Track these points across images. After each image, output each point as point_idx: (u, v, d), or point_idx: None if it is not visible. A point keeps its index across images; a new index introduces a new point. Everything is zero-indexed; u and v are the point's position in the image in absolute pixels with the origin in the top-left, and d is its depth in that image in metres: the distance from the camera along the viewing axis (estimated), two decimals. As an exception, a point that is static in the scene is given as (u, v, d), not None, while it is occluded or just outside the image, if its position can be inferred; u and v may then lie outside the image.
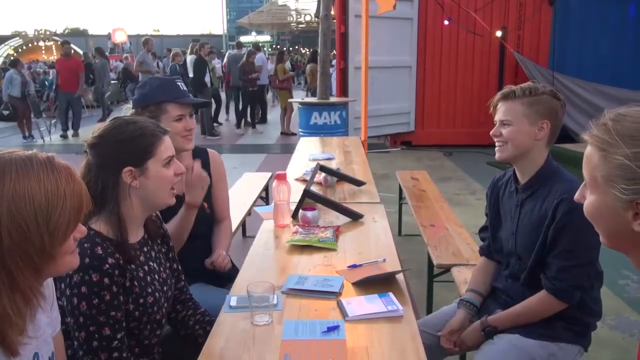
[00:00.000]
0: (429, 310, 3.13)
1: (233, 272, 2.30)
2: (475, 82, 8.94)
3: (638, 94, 7.78)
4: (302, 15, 30.88)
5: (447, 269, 2.83)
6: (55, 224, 1.00)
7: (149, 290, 1.54)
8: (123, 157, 1.50)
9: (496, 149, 1.84)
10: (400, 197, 4.83)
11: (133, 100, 2.10)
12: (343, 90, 8.19)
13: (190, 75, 10.12)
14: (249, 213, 3.82)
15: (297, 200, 2.49)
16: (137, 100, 2.08)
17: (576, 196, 1.02)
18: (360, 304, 1.62)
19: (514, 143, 1.78)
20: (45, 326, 1.15)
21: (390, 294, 1.67)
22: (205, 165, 2.28)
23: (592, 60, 8.33)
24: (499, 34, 8.49)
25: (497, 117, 1.82)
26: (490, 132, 1.84)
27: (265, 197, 4.67)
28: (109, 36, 28.46)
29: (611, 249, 1.01)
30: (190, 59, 10.44)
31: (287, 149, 9.02)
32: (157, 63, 12.12)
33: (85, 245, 1.38)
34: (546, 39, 8.60)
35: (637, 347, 3.36)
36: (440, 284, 3.17)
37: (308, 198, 2.49)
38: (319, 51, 7.35)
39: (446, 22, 8.62)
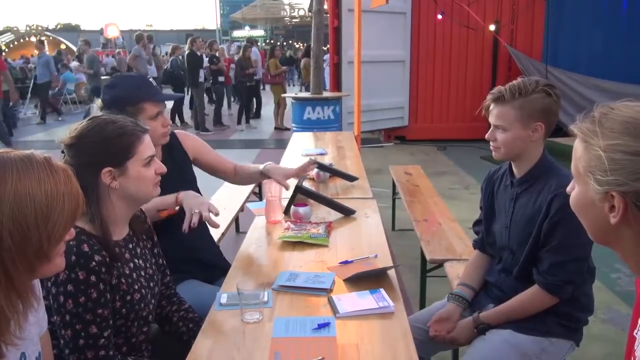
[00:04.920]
0: (422, 306, 3.13)
1: (225, 267, 2.29)
2: (469, 76, 8.93)
3: (631, 87, 7.79)
4: (296, 10, 30.82)
5: (440, 264, 2.83)
6: (53, 226, 0.99)
7: (136, 287, 1.53)
8: (102, 158, 1.48)
9: (492, 150, 1.83)
10: (394, 192, 4.82)
11: (105, 101, 2.01)
12: (336, 85, 8.17)
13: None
14: (241, 209, 3.81)
15: (289, 196, 2.48)
16: (111, 102, 1.98)
17: (568, 188, 1.02)
18: (351, 301, 1.61)
19: (508, 148, 1.77)
20: (31, 326, 1.14)
21: (382, 290, 1.67)
22: (177, 146, 2.26)
23: (586, 54, 8.32)
24: (492, 28, 8.48)
25: (491, 120, 1.80)
26: (486, 136, 1.82)
27: (258, 192, 4.65)
28: (101, 31, 28.28)
29: (598, 243, 1.01)
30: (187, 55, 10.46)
31: (281, 144, 8.99)
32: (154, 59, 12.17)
33: (71, 242, 1.36)
34: (539, 33, 8.59)
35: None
36: (433, 279, 3.17)
37: (300, 194, 2.48)
38: (312, 46, 7.33)
39: (439, 16, 8.60)
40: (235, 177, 2.45)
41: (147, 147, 1.55)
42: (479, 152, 7.99)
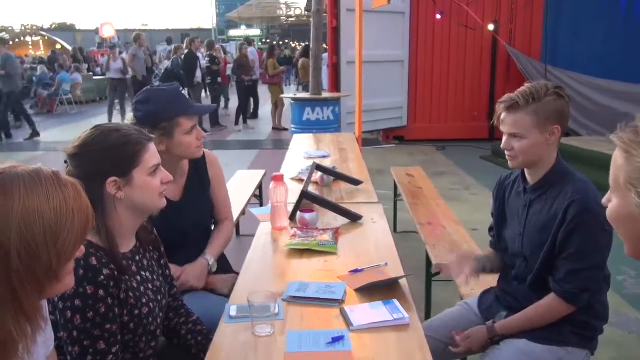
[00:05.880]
0: (428, 311, 3.09)
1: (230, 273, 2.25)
2: (468, 76, 8.91)
3: (630, 86, 7.80)
4: (292, 9, 30.79)
5: (446, 269, 2.80)
6: (63, 243, 0.95)
7: (144, 300, 1.49)
8: (107, 167, 1.43)
9: (508, 159, 1.78)
10: (396, 194, 4.79)
11: (139, 117, 1.96)
12: (335, 85, 8.13)
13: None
14: (243, 212, 3.77)
15: (294, 201, 2.44)
16: (145, 118, 1.94)
17: (604, 200, 0.98)
18: (364, 312, 1.57)
19: (526, 155, 1.73)
20: (39, 347, 1.10)
21: (395, 300, 1.62)
22: (203, 168, 2.22)
23: (584, 53, 8.29)
24: (491, 27, 8.46)
25: (505, 129, 1.75)
26: (502, 146, 1.77)
27: (259, 195, 4.61)
28: (96, 31, 28.19)
29: (635, 258, 0.97)
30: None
31: (280, 145, 8.95)
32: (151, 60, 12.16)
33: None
34: (538, 32, 8.58)
35: (638, 344, 3.31)
36: (438, 283, 3.13)
37: (306, 199, 2.44)
38: (311, 46, 7.29)
39: (438, 16, 8.57)
40: (214, 228, 2.33)
41: (152, 155, 1.51)
42: (478, 152, 7.98)
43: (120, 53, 12.03)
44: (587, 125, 7.98)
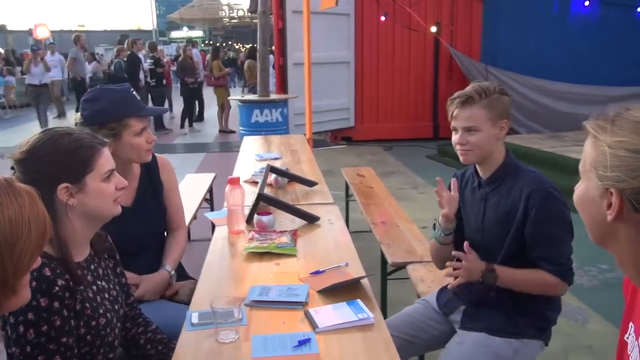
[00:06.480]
0: (384, 309, 3.12)
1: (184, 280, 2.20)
2: (412, 76, 9.08)
3: (567, 86, 8.20)
4: (235, 10, 30.43)
5: (402, 267, 2.83)
6: (19, 255, 0.89)
7: (100, 311, 1.43)
8: (58, 173, 1.36)
9: (460, 154, 1.82)
10: (347, 194, 4.81)
11: (86, 116, 1.89)
12: (283, 87, 8.10)
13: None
14: (194, 217, 3.69)
15: (251, 204, 2.41)
16: (93, 117, 1.88)
17: (576, 186, 1.01)
18: (328, 314, 1.56)
19: (481, 148, 1.78)
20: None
21: (359, 300, 1.63)
22: (155, 172, 2.16)
23: (522, 54, 8.60)
24: (433, 29, 8.65)
25: (459, 124, 1.79)
26: (455, 141, 1.82)
27: (210, 199, 4.53)
28: (30, 32, 26.99)
29: (596, 243, 1.01)
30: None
31: (227, 148, 8.86)
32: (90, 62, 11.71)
33: None
34: (478, 34, 8.86)
35: (583, 332, 3.43)
36: (392, 281, 3.16)
37: (262, 202, 2.41)
38: (257, 47, 7.24)
39: (382, 18, 8.70)
40: (168, 237, 2.25)
41: (106, 160, 1.45)
42: (424, 152, 8.14)
43: (47, 55, 11.38)
44: (526, 124, 8.30)
